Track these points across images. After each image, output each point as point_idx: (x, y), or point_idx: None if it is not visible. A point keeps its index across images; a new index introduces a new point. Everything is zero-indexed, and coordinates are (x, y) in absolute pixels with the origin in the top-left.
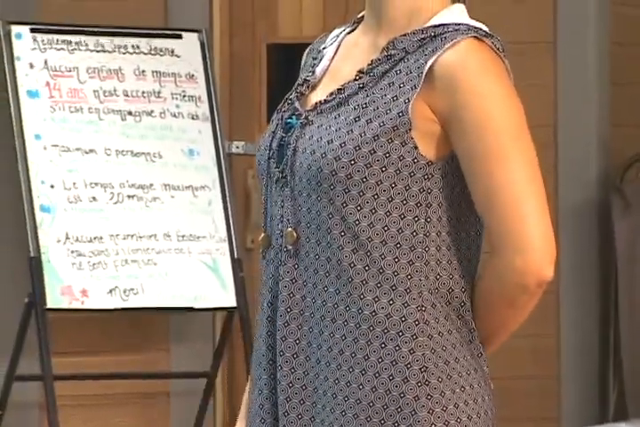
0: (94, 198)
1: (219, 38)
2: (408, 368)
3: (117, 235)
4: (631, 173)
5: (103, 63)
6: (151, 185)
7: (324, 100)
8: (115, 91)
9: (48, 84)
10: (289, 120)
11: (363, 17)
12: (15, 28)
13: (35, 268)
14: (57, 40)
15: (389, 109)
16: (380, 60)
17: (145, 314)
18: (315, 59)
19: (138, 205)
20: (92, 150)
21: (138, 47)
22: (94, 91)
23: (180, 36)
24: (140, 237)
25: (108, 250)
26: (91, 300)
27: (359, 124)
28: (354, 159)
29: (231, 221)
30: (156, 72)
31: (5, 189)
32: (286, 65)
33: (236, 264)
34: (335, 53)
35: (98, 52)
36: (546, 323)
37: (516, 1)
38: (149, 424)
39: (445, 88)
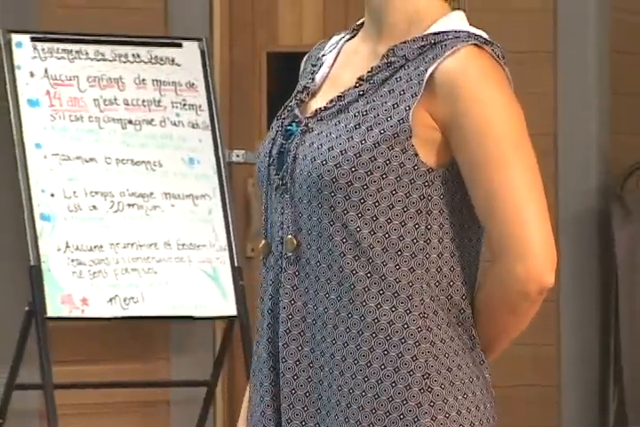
0: (94, 207)
1: (219, 47)
2: (411, 375)
3: (117, 243)
4: (631, 181)
5: (103, 72)
6: (151, 194)
7: (324, 108)
8: (115, 99)
9: (48, 92)
10: (289, 127)
11: (362, 24)
12: (16, 37)
13: (35, 276)
14: (57, 49)
15: (390, 117)
16: (380, 67)
17: (145, 323)
18: (314, 66)
19: (138, 214)
20: (92, 159)
21: (138, 56)
22: (94, 99)
23: (180, 45)
24: (141, 246)
25: (108, 259)
26: (91, 308)
27: (359, 131)
28: (354, 166)
29: (231, 230)
30: (157, 81)
31: (6, 198)
32: (286, 73)
33: (237, 273)
34: (335, 60)
35: (98, 60)
36: (546, 331)
37: (516, 10)
38: None
39: (446, 95)
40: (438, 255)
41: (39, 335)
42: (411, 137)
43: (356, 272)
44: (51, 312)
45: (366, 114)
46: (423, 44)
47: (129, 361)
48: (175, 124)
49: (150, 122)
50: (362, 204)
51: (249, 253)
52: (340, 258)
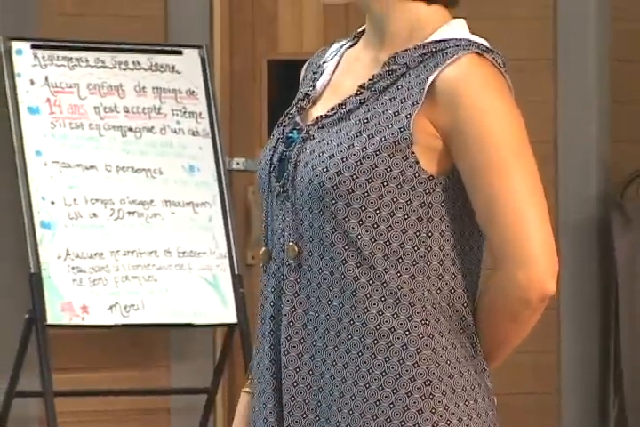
0: (95, 215)
1: (219, 54)
2: (412, 382)
3: (118, 251)
4: (631, 189)
5: (104, 79)
6: (152, 201)
7: (325, 115)
8: (115, 107)
9: (49, 100)
10: (290, 134)
11: (363, 31)
12: (16, 45)
13: (35, 284)
14: (57, 56)
15: (391, 124)
16: (381, 75)
17: (145, 330)
18: (315, 73)
19: (138, 222)
20: (92, 166)
21: (138, 63)
22: (95, 107)
23: (180, 53)
24: (141, 254)
25: (108, 266)
26: (91, 316)
27: (360, 138)
28: (355, 174)
29: (231, 238)
30: (157, 88)
31: (6, 205)
32: (287, 81)
33: (237, 280)
34: (336, 68)
35: (98, 68)
36: (546, 339)
37: (516, 17)
38: None
39: (447, 103)
40: (439, 262)
41: (39, 343)
42: (411, 145)
43: (358, 279)
44: (51, 320)
45: (367, 122)
46: (424, 52)
47: (129, 369)
48: (175, 132)
49: (150, 129)
50: (363, 211)
51: (249, 260)
52: (341, 265)
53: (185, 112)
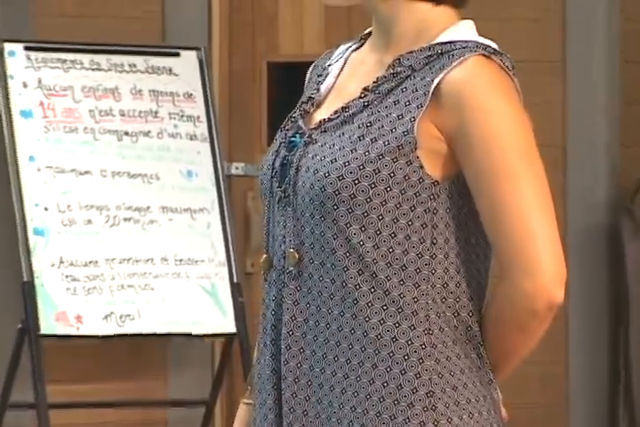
0: (89, 221)
1: (218, 56)
2: (414, 393)
3: (113, 259)
4: None
5: (99, 82)
6: (148, 207)
7: (329, 119)
8: (111, 110)
9: (42, 103)
10: (292, 139)
11: (369, 33)
12: (8, 46)
13: (28, 293)
14: (51, 58)
15: (394, 128)
16: (385, 77)
17: (142, 340)
18: (320, 76)
19: (134, 228)
20: (87, 172)
21: (134, 65)
22: (90, 110)
23: (177, 54)
24: (137, 262)
25: (103, 274)
26: (86, 326)
27: (363, 142)
28: (357, 179)
29: (230, 245)
30: (154, 91)
31: None
32: (287, 83)
33: (236, 289)
34: (341, 70)
35: (93, 70)
36: (554, 349)
37: (523, 18)
38: None
39: (452, 106)
40: (444, 270)
41: (32, 353)
42: (416, 149)
43: (360, 287)
44: (44, 330)
45: (370, 125)
46: (430, 53)
47: (125, 380)
48: (173, 136)
49: (147, 133)
50: (365, 217)
51: (248, 268)
52: (342, 272)
53: (182, 116)
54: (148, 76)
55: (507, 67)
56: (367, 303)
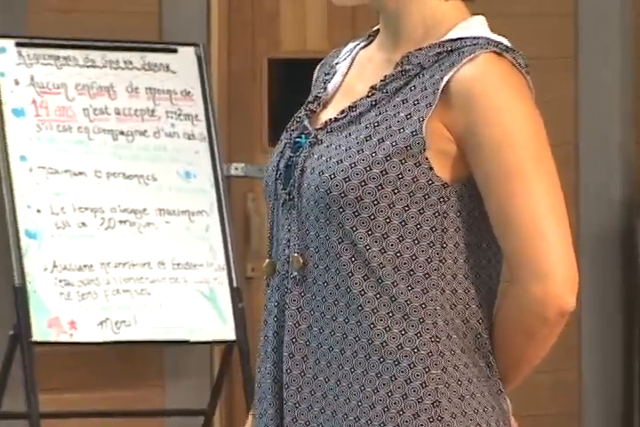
0: (84, 224)
1: (217, 53)
2: (419, 403)
3: (108, 263)
4: None
5: (93, 79)
6: (144, 210)
7: (335, 119)
8: (106, 109)
9: (34, 101)
10: (298, 139)
11: (378, 30)
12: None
13: (20, 298)
14: (44, 55)
15: (402, 128)
16: (393, 75)
17: (138, 347)
18: (327, 74)
19: (130, 231)
20: (81, 172)
21: (130, 62)
22: (84, 109)
23: (175, 51)
24: (133, 266)
25: (98, 279)
26: (80, 332)
27: (370, 143)
28: (364, 180)
29: (230, 248)
30: (150, 89)
31: None
32: (289, 81)
33: (236, 294)
34: (349, 69)
35: (88, 67)
36: (566, 356)
37: (535, 14)
38: None
39: (462, 105)
40: (453, 276)
41: (24, 361)
42: (425, 150)
43: (365, 293)
44: (37, 336)
45: (378, 125)
46: (439, 51)
47: (120, 389)
48: (170, 136)
49: (143, 133)
50: (372, 220)
51: (249, 272)
52: (347, 278)
53: (180, 114)
54: (145, 73)
55: (519, 64)
56: (372, 310)
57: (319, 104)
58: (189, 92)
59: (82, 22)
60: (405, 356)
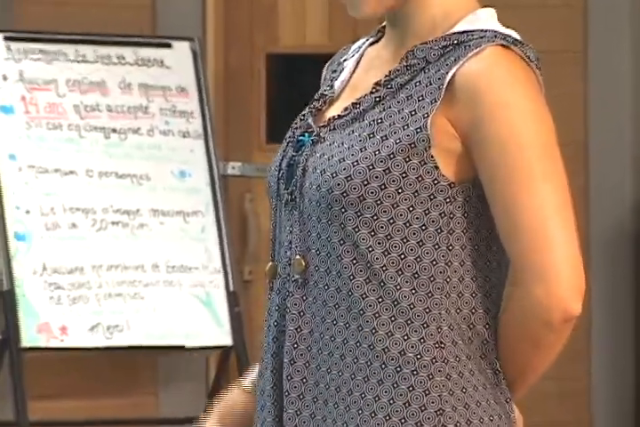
0: (74, 225)
1: (213, 47)
2: (422, 411)
3: (100, 266)
4: None
5: (84, 75)
6: (138, 210)
7: (338, 116)
8: (97, 106)
9: (24, 98)
10: (301, 138)
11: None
12: None
13: (8, 302)
14: (33, 49)
15: (407, 125)
16: (398, 70)
17: (131, 354)
18: (334, 72)
19: (123, 233)
20: (71, 172)
21: (123, 57)
22: (74, 106)
23: (169, 45)
24: (126, 269)
25: (89, 282)
26: (70, 338)
27: (373, 140)
28: (367, 179)
29: (226, 251)
30: (144, 85)
31: None
32: (288, 77)
33: (232, 298)
34: (356, 66)
35: (79, 62)
36: (575, 364)
37: (542, 5)
38: None
39: (467, 100)
40: (460, 279)
41: (13, 367)
42: (430, 147)
43: (366, 296)
44: (26, 342)
45: (381, 122)
46: (445, 44)
47: (113, 396)
48: (164, 134)
49: (136, 131)
50: (375, 221)
51: (246, 276)
52: (349, 281)
53: (175, 111)
54: (138, 68)
55: (528, 58)
56: (374, 314)
57: (325, 102)
58: (184, 89)
59: (73, 16)
60: (408, 362)
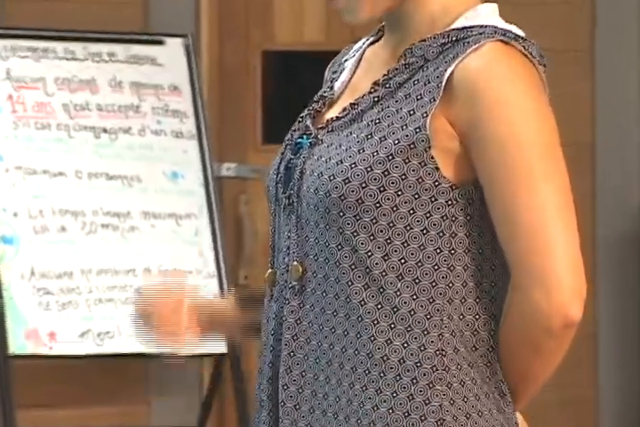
0: (63, 228)
1: (207, 44)
2: (422, 421)
3: (90, 270)
4: None
5: (74, 73)
6: (129, 213)
7: (336, 117)
8: (87, 105)
9: (11, 96)
10: (299, 140)
11: None
12: None
13: None
14: (21, 46)
15: (405, 125)
16: (396, 69)
17: (122, 361)
18: (335, 73)
19: (113, 236)
20: (60, 173)
21: (114, 55)
22: (63, 105)
23: (162, 42)
24: (117, 273)
25: (79, 287)
26: (60, 345)
27: (371, 141)
28: (365, 182)
29: (221, 254)
30: (135, 83)
31: None
32: (285, 75)
33: None
34: (356, 66)
35: (68, 60)
36: (581, 371)
37: (547, 2)
38: None
39: (466, 98)
40: (463, 284)
41: (1, 375)
42: (430, 148)
43: (365, 303)
44: (13, 349)
45: (379, 122)
46: (444, 41)
47: (103, 405)
48: (156, 134)
49: (127, 130)
50: (374, 225)
51: (241, 280)
52: (347, 287)
53: (167, 110)
54: (129, 66)
55: (531, 54)
56: (372, 321)
57: (324, 104)
58: (177, 87)
59: (62, 12)
60: (407, 371)
